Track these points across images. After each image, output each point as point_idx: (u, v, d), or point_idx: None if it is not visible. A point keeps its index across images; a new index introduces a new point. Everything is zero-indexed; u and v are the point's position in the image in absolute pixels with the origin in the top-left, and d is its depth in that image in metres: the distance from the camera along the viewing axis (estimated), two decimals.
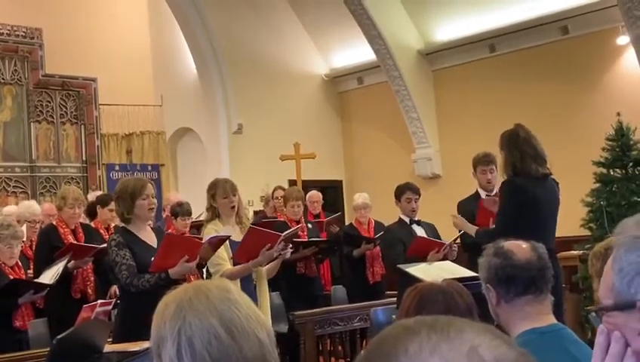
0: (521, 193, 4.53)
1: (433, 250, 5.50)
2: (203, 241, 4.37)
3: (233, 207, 4.68)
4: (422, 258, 5.46)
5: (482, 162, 5.44)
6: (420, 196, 5.99)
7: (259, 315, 1.37)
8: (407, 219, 5.95)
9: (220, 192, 4.65)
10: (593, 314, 1.11)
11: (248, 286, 4.52)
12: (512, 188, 4.59)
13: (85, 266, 5.51)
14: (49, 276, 5.04)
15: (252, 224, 5.14)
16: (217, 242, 4.41)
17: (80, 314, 4.64)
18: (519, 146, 4.57)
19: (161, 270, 4.06)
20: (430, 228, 6.02)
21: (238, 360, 1.30)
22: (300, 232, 5.98)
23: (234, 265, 4.57)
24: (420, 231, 5.89)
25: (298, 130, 10.93)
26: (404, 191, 5.96)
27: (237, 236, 4.63)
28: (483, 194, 5.37)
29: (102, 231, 6.15)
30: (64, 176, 11.22)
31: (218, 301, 1.33)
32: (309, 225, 6.66)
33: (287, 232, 4.85)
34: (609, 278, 1.06)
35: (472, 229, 4.97)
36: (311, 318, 5.83)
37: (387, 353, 0.73)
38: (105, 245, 5.24)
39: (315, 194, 7.83)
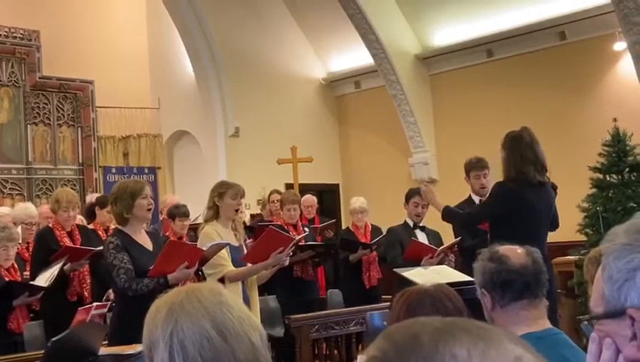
0: (514, 198, 4.50)
1: (427, 255, 5.51)
2: (200, 246, 4.38)
3: (237, 211, 4.71)
4: (419, 262, 5.47)
5: (476, 167, 5.40)
6: (428, 204, 5.98)
7: (251, 318, 1.37)
8: (411, 223, 5.98)
9: (231, 193, 4.65)
10: (585, 322, 1.11)
11: (243, 290, 4.53)
12: (505, 192, 4.56)
13: (81, 269, 5.50)
14: (44, 279, 5.02)
15: (248, 226, 5.16)
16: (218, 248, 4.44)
17: (75, 317, 4.63)
18: (521, 150, 4.53)
19: (160, 275, 4.07)
20: (434, 236, 6.02)
21: None
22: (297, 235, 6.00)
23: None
24: (421, 237, 5.90)
25: (295, 134, 10.92)
26: (414, 195, 6.00)
27: (232, 241, 4.64)
28: (476, 199, 5.35)
29: (100, 232, 6.13)
30: (60, 179, 11.18)
31: (210, 303, 1.33)
32: (306, 229, 6.65)
33: (297, 238, 4.97)
34: (599, 286, 1.06)
35: (439, 205, 4.99)
36: (307, 322, 5.81)
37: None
38: (101, 248, 5.24)
39: (309, 199, 7.79)
